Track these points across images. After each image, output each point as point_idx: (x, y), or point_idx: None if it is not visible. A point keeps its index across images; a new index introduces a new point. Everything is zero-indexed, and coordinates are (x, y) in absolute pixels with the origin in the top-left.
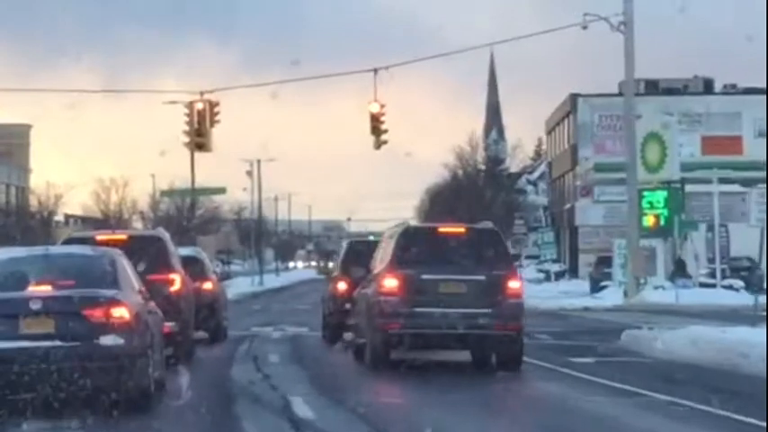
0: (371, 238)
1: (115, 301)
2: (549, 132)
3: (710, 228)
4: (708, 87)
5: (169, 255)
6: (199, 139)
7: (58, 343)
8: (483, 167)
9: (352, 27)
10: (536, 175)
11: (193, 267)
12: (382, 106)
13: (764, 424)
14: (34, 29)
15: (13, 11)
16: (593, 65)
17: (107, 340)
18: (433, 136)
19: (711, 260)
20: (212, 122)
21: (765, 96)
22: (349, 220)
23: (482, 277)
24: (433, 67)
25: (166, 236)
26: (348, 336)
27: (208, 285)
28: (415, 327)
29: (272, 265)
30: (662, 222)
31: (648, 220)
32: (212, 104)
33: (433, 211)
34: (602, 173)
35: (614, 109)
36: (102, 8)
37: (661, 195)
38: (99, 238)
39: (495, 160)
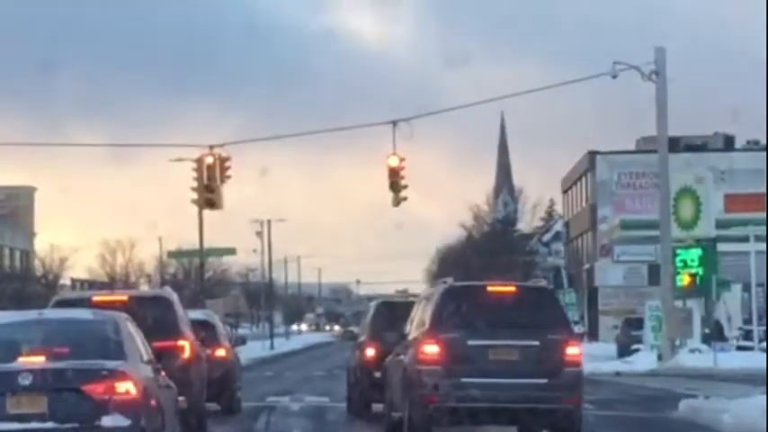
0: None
1: (120, 375)
2: (565, 191)
3: (747, 287)
4: (729, 144)
5: (177, 318)
6: (209, 195)
7: (51, 425)
8: (498, 227)
9: (362, 86)
10: (549, 235)
11: (204, 332)
12: (402, 160)
13: None
14: (38, 92)
15: (17, 72)
16: (603, 123)
17: (110, 421)
18: (442, 197)
19: (747, 321)
20: (223, 178)
21: (766, 152)
22: (358, 282)
23: (536, 342)
24: (442, 125)
25: (174, 296)
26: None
27: (221, 352)
28: (460, 400)
29: (281, 329)
30: (697, 281)
31: (683, 280)
32: (222, 159)
33: (443, 272)
34: (626, 230)
35: (633, 166)
36: (108, 71)
37: (695, 254)
38: (96, 299)
39: (506, 221)
